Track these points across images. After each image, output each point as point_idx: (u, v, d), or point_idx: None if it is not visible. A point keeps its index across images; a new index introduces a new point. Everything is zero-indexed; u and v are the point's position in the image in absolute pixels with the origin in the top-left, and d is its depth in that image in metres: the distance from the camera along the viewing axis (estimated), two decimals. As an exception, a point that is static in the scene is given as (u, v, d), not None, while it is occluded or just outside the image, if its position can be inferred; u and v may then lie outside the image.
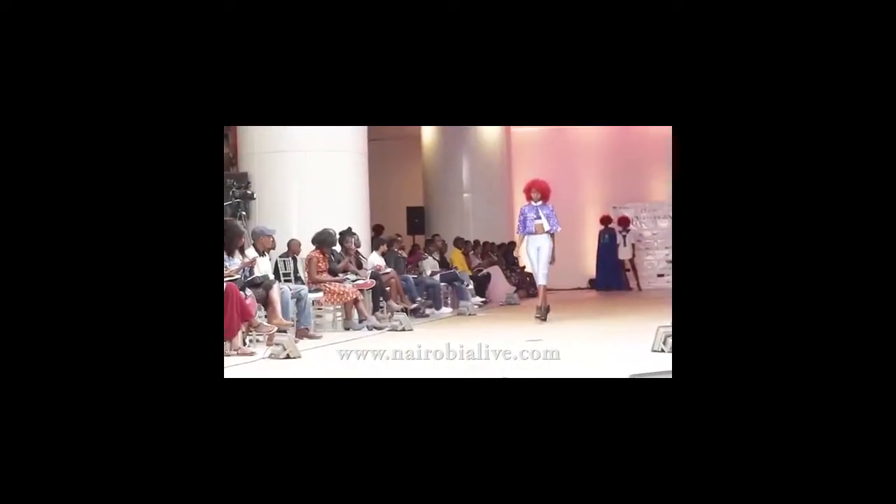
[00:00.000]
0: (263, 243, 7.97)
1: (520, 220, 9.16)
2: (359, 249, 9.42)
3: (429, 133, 15.15)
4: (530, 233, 8.98)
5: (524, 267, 15.14)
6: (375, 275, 9.30)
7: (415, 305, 9.87)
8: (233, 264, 7.12)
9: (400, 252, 11.27)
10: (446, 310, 10.73)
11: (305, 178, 9.49)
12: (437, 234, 13.08)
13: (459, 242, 13.45)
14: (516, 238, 9.45)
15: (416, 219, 14.79)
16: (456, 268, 12.14)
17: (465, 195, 15.26)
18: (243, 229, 7.81)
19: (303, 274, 8.58)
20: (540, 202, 9.01)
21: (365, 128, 9.91)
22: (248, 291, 6.91)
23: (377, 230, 11.45)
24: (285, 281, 8.22)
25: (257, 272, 7.49)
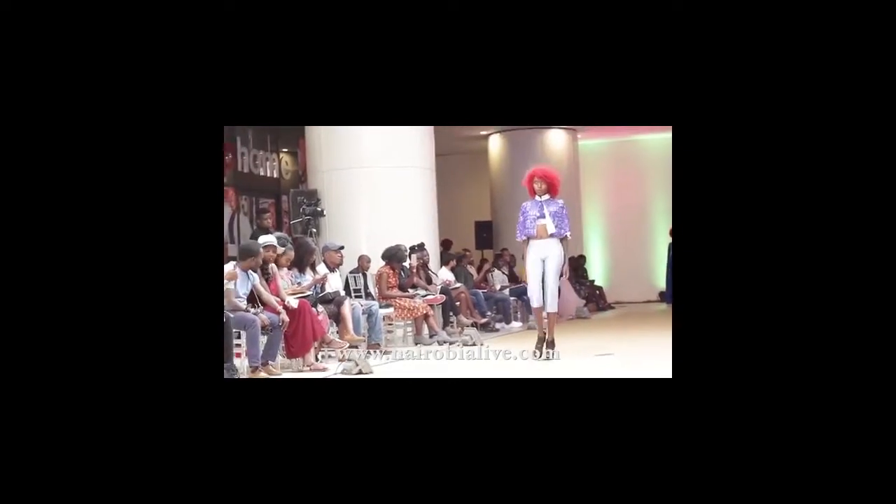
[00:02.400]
0: (332, 259, 8.03)
1: (519, 221, 7.11)
2: (428, 264, 9.43)
3: (495, 146, 15.12)
4: (531, 236, 6.99)
5: (594, 280, 15.02)
6: (445, 290, 9.29)
7: (485, 320, 9.85)
8: (304, 281, 7.18)
9: (469, 267, 11.26)
10: (516, 324, 10.68)
11: (374, 194, 9.55)
12: (506, 249, 13.03)
13: (528, 256, 13.36)
14: (520, 243, 7.23)
15: (485, 233, 14.76)
16: (525, 281, 12.06)
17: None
18: (314, 246, 7.88)
19: (373, 290, 8.61)
20: (546, 197, 6.99)
21: (432, 143, 9.94)
22: (320, 308, 6.96)
23: (446, 245, 11.46)
24: (356, 297, 8.26)
25: (328, 288, 7.54)
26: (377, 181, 9.54)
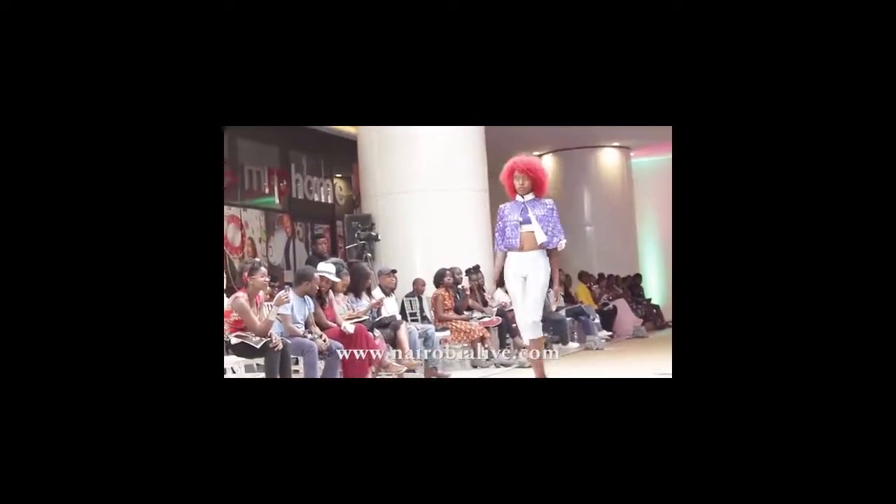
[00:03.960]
0: (387, 283, 8.07)
1: (497, 227, 5.51)
2: (483, 287, 9.42)
3: (547, 167, 15.10)
4: (512, 248, 5.37)
5: (650, 299, 14.87)
6: (501, 312, 9.27)
7: (541, 341, 9.78)
8: (360, 305, 7.22)
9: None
10: (573, 344, 10.61)
11: (428, 217, 9.57)
12: (561, 269, 12.98)
13: (584, 276, 13.31)
14: (496, 256, 5.59)
15: (540, 254, 14.70)
16: (581, 302, 12.00)
17: (587, 228, 15.13)
18: (369, 270, 7.93)
19: (429, 313, 8.63)
20: (530, 196, 5.38)
21: (485, 165, 9.95)
22: (377, 332, 6.99)
23: (501, 267, 11.43)
24: (412, 320, 8.28)
25: (384, 312, 7.57)
26: (430, 204, 9.57)
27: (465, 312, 8.85)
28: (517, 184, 5.40)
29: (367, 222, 9.47)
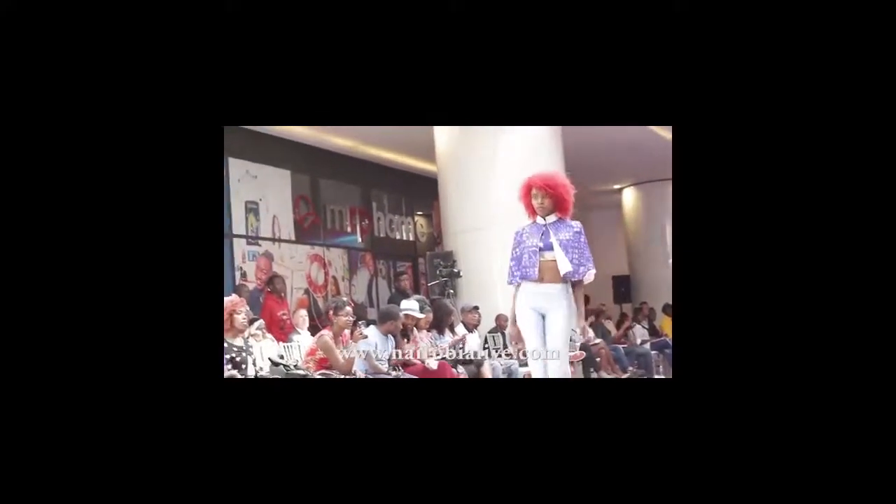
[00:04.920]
0: (470, 319, 8.07)
1: (512, 256, 4.70)
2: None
3: (629, 200, 14.98)
4: (529, 278, 4.54)
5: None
6: (585, 346, 9.19)
7: (626, 375, 9.67)
8: (444, 342, 7.23)
9: (607, 322, 11.12)
10: (659, 377, 10.44)
11: (508, 252, 9.52)
12: (645, 302, 12.82)
13: (668, 309, 13.11)
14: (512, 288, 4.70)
15: (622, 287, 14.57)
16: (666, 335, 11.82)
17: (671, 260, 14.90)
18: (452, 307, 7.94)
19: (512, 348, 8.59)
20: (553, 217, 4.60)
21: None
22: (460, 368, 6.99)
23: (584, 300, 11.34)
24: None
25: (468, 349, 7.56)
26: (511, 240, 9.53)
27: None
28: (536, 203, 4.59)
29: (449, 259, 9.49)
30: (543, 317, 4.53)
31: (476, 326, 8.19)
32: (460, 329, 7.86)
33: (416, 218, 13.10)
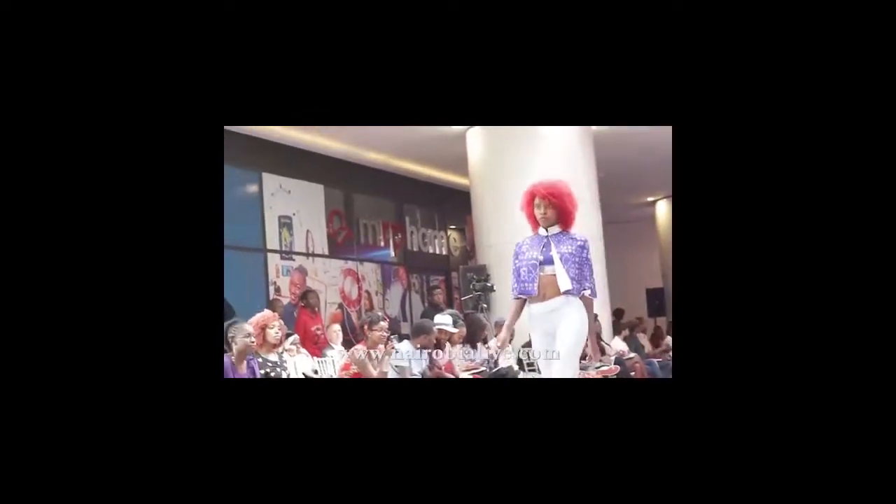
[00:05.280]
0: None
1: (513, 269, 4.44)
2: (600, 335, 9.29)
3: (663, 212, 14.89)
4: (528, 294, 4.32)
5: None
6: (619, 360, 9.12)
7: (662, 390, 9.58)
8: (477, 357, 7.21)
9: (641, 336, 11.03)
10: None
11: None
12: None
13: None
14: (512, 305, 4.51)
15: (657, 300, 14.48)
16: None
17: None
18: (486, 321, 7.92)
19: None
20: (555, 229, 4.38)
21: (599, 212, 9.87)
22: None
23: (618, 314, 11.29)
24: (529, 371, 8.21)
25: (502, 363, 7.54)
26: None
27: (582, 362, 8.73)
28: (538, 213, 4.35)
29: (482, 273, 9.48)
30: (554, 336, 4.26)
31: (509, 341, 8.16)
32: (493, 343, 7.82)
33: (450, 232, 13.11)
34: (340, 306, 10.84)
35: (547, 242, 4.33)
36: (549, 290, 4.26)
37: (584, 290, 4.28)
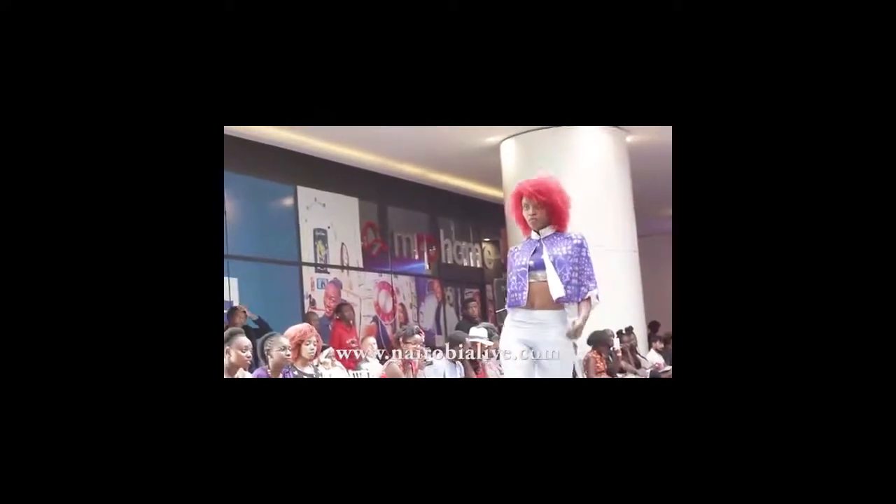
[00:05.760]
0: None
1: (507, 280, 4.09)
2: (636, 348, 9.23)
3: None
4: (517, 304, 3.89)
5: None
6: (655, 373, 9.06)
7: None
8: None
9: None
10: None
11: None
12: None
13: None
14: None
15: (693, 313, 14.35)
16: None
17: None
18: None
19: (581, 375, 8.51)
20: (548, 231, 3.98)
21: (634, 225, 9.83)
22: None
23: (654, 327, 11.21)
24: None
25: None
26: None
27: (618, 375, 8.68)
28: (527, 215, 3.95)
29: (517, 285, 9.44)
30: (531, 350, 3.83)
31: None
32: (529, 356, 7.79)
33: (484, 244, 13.10)
34: (375, 319, 10.85)
35: (539, 246, 3.94)
36: (538, 299, 3.84)
37: (590, 290, 3.90)
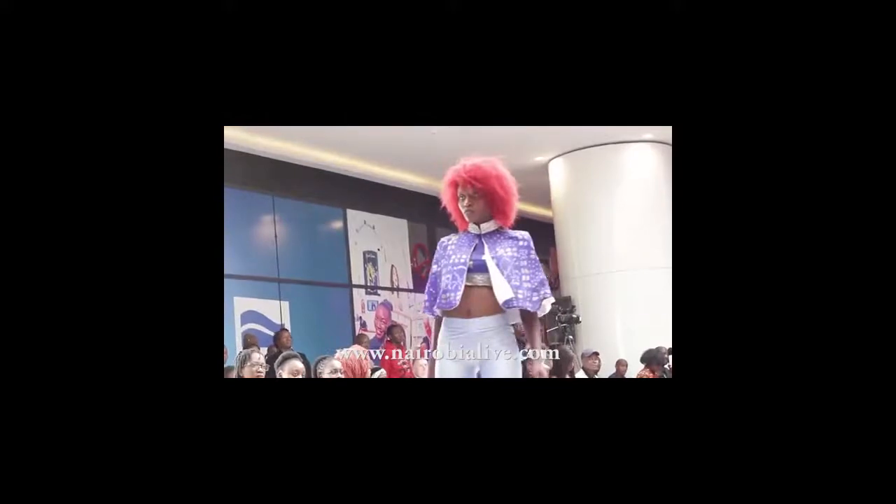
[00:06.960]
0: (589, 365, 7.98)
1: (430, 276, 3.47)
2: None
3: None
4: (449, 307, 3.26)
5: None
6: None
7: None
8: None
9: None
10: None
11: (627, 297, 9.45)
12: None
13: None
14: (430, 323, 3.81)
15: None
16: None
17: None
18: (572, 353, 7.87)
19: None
20: (489, 225, 3.42)
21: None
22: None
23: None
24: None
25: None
26: (629, 284, 9.44)
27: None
28: (462, 205, 3.37)
29: (568, 304, 9.43)
30: (477, 372, 3.34)
31: (596, 372, 8.09)
32: (580, 375, 7.77)
33: (533, 264, 13.07)
34: (426, 340, 10.88)
35: (479, 243, 3.36)
36: (476, 306, 3.26)
37: (535, 301, 3.35)
